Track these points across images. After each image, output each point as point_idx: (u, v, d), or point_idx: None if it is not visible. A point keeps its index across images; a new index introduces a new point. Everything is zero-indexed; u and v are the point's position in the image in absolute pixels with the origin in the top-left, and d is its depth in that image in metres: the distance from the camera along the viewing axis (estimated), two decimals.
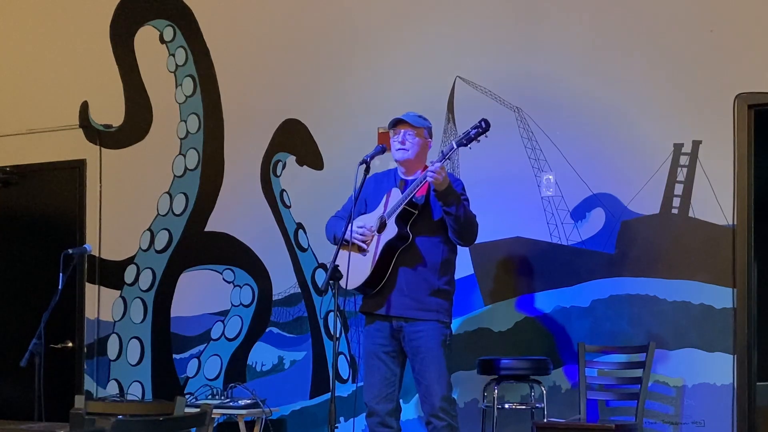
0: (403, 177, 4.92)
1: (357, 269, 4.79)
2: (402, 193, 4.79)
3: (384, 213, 4.82)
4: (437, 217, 4.77)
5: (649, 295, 5.44)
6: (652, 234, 5.47)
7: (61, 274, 4.87)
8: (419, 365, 4.75)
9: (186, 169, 6.79)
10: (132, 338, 6.86)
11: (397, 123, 4.87)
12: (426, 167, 4.73)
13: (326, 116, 6.37)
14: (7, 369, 6.73)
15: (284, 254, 6.43)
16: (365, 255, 4.82)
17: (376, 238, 4.80)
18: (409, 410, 5.77)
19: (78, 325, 6.97)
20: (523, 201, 5.71)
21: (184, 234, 6.77)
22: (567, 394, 5.57)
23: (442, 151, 4.73)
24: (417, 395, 5.62)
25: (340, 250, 4.93)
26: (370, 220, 4.89)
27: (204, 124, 6.75)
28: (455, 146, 4.68)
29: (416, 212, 4.75)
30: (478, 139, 4.66)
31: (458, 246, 4.88)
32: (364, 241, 4.82)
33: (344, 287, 4.88)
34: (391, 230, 4.74)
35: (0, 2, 7.47)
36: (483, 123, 4.65)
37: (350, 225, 4.80)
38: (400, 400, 4.95)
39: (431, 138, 4.97)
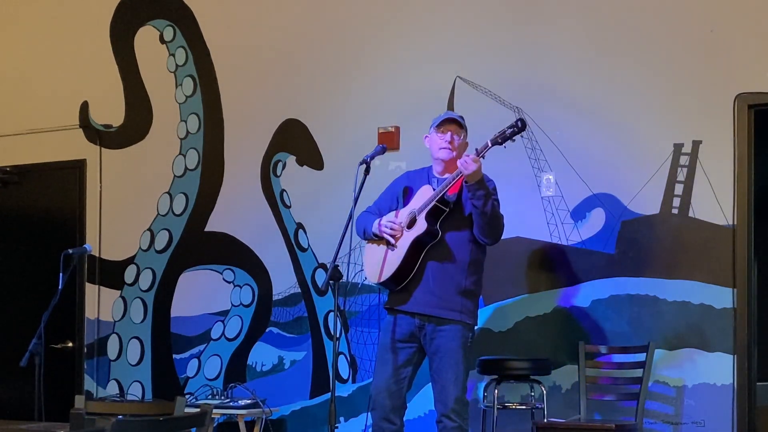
0: (437, 176, 4.89)
1: (384, 264, 4.78)
2: (434, 191, 4.76)
3: (414, 209, 4.79)
4: (468, 215, 4.73)
5: (649, 295, 5.43)
6: (652, 234, 5.46)
7: (61, 274, 4.87)
8: (437, 364, 4.73)
9: (186, 169, 6.79)
10: (132, 338, 6.86)
11: (446, 122, 4.85)
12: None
13: (326, 116, 6.37)
14: (7, 369, 6.72)
15: (284, 254, 6.42)
16: (393, 250, 4.79)
17: (405, 233, 4.77)
18: (413, 409, 5.75)
19: (78, 325, 6.97)
20: (523, 201, 5.70)
21: (184, 234, 6.77)
22: (567, 394, 5.57)
23: (477, 149, 4.67)
24: (418, 394, 5.64)
25: (369, 244, 4.93)
26: (400, 216, 4.85)
27: (204, 124, 6.75)
28: (490, 144, 4.64)
29: (447, 210, 4.72)
30: (513, 138, 4.65)
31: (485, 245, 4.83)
32: (393, 236, 4.79)
33: (371, 282, 4.85)
34: (421, 226, 4.71)
35: (0, 3, 7.47)
36: (519, 122, 4.63)
37: (350, 225, 4.76)
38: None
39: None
